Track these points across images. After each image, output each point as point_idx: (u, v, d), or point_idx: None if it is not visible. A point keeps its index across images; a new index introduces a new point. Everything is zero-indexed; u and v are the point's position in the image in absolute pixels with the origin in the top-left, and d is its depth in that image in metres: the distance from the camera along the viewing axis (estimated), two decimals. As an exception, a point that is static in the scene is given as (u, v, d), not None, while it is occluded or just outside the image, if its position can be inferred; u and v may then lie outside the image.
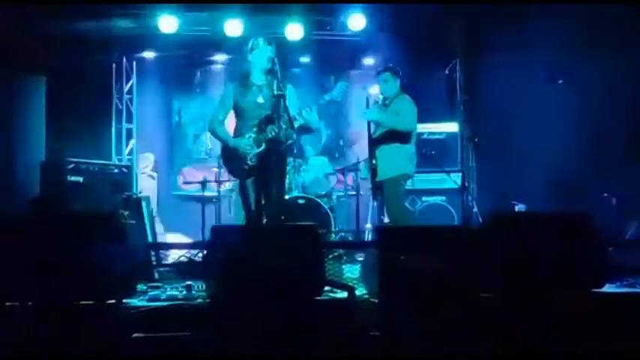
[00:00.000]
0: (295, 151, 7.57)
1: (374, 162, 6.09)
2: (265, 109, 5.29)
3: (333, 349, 3.68)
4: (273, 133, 5.20)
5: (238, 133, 5.43)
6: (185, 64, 9.60)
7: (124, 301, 4.00)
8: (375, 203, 6.25)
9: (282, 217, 5.48)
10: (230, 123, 5.59)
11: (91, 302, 3.79)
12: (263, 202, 5.43)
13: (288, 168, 6.46)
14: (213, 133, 5.58)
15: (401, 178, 6.11)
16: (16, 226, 3.92)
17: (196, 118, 9.82)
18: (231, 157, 5.42)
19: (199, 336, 3.70)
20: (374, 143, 6.15)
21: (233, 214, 7.95)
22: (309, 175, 7.83)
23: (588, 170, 7.02)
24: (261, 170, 5.29)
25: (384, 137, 6.13)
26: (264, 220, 5.55)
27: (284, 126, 5.15)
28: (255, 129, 5.31)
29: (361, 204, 7.98)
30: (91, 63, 8.46)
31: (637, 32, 6.62)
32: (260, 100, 5.34)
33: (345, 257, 6.41)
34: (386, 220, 6.17)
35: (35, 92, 7.91)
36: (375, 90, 6.41)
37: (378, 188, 6.13)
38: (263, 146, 5.26)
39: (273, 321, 3.70)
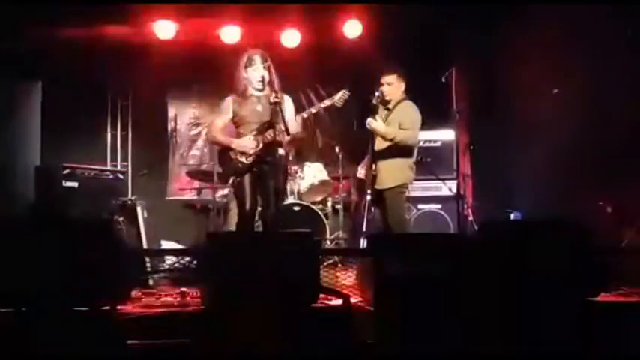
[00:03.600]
0: (291, 157, 7.57)
1: (374, 169, 6.05)
2: (265, 116, 5.40)
3: (328, 357, 3.68)
4: (270, 137, 5.30)
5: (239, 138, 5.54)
6: (181, 71, 9.59)
7: (119, 307, 3.99)
8: (373, 210, 6.21)
9: (280, 224, 5.52)
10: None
11: (85, 308, 3.77)
12: (259, 207, 5.50)
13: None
14: (214, 140, 5.72)
15: (402, 187, 6.10)
16: (10, 232, 3.90)
17: (192, 125, 9.80)
18: (227, 157, 5.53)
19: (194, 342, 3.69)
20: (376, 152, 6.10)
21: (228, 222, 7.95)
22: (305, 182, 7.83)
23: (584, 178, 7.02)
24: (257, 171, 5.39)
25: (387, 147, 6.07)
26: (260, 225, 5.60)
27: (280, 132, 5.25)
28: (255, 132, 5.42)
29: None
30: (86, 68, 8.45)
31: (633, 40, 6.63)
32: (259, 108, 5.50)
33: (340, 264, 6.40)
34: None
35: (30, 97, 7.89)
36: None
37: (377, 196, 6.11)
38: (260, 147, 5.35)
39: (268, 328, 3.69)
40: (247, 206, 5.43)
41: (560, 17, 6.99)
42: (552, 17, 7.06)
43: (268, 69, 5.46)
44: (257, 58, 5.48)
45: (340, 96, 5.59)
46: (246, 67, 5.51)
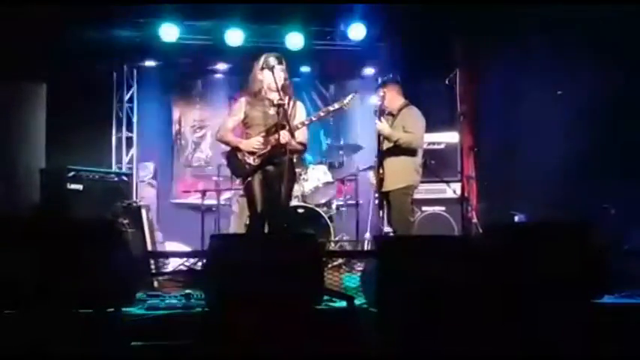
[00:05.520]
0: (295, 160, 7.58)
1: (381, 172, 6.09)
2: (274, 119, 5.42)
3: (332, 359, 3.68)
4: (275, 140, 5.31)
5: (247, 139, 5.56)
6: (185, 73, 9.63)
7: (123, 309, 4.00)
8: (380, 213, 6.24)
9: (285, 225, 5.52)
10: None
11: (90, 310, 3.78)
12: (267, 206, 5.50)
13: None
14: (223, 139, 5.69)
15: (407, 189, 6.13)
16: (15, 234, 3.91)
17: (196, 127, 9.82)
18: (235, 157, 5.54)
19: (198, 345, 3.70)
20: (382, 153, 6.14)
21: (232, 224, 7.96)
22: (309, 184, 7.83)
23: (588, 180, 7.02)
24: (265, 172, 5.39)
25: (393, 149, 6.13)
26: (267, 224, 5.61)
27: (286, 135, 5.26)
28: (263, 134, 5.43)
29: (361, 213, 7.98)
30: (91, 71, 8.48)
31: (635, 42, 6.63)
32: (271, 111, 5.47)
33: (344, 267, 6.41)
34: (386, 229, 6.19)
35: (35, 99, 7.91)
36: (374, 100, 6.41)
37: (384, 198, 6.15)
38: (268, 148, 5.36)
39: (272, 330, 3.69)
40: (259, 208, 5.43)
41: (564, 19, 7.00)
42: (556, 19, 7.07)
43: (283, 72, 5.45)
44: (273, 61, 5.48)
45: (349, 99, 5.59)
46: (262, 68, 5.51)
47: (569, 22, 6.95)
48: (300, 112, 5.61)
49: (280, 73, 5.42)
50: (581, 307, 3.94)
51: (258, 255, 3.96)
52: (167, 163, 9.73)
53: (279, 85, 5.36)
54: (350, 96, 5.61)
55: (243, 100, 5.65)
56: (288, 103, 5.41)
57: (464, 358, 3.70)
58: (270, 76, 5.41)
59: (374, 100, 6.39)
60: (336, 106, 5.59)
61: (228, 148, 5.70)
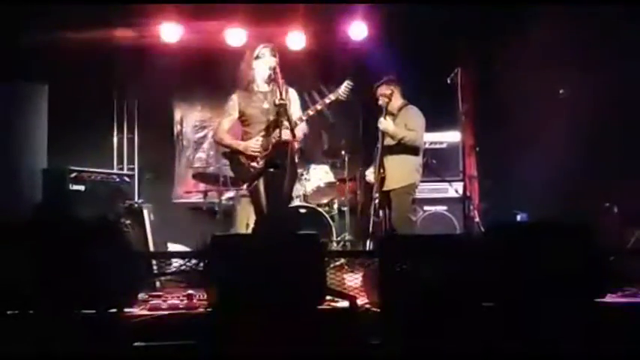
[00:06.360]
0: (297, 159, 7.56)
1: (382, 171, 6.10)
2: (272, 114, 5.36)
3: (334, 359, 3.68)
4: (277, 137, 5.27)
5: (247, 138, 5.50)
6: (187, 74, 9.60)
7: (125, 310, 4.00)
8: (381, 212, 6.24)
9: (287, 226, 5.51)
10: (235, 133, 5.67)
11: (92, 311, 3.78)
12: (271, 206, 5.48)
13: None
14: (221, 142, 5.65)
15: (408, 188, 6.14)
16: (17, 235, 3.92)
17: (198, 128, 9.81)
18: (239, 162, 5.48)
19: (200, 345, 3.70)
20: (383, 152, 6.15)
21: (235, 225, 7.95)
22: (311, 184, 7.82)
23: (590, 179, 7.01)
24: (268, 172, 5.35)
25: (394, 148, 6.14)
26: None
27: (287, 131, 5.22)
28: (262, 133, 5.38)
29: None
30: (92, 72, 8.47)
31: (636, 44, 6.63)
32: (266, 106, 5.44)
33: (346, 267, 6.40)
34: (387, 229, 6.19)
35: (37, 100, 7.91)
36: (380, 93, 6.39)
37: (384, 197, 6.16)
38: (270, 149, 5.33)
39: (275, 330, 3.69)
40: (265, 210, 5.41)
41: (565, 19, 7.00)
42: (557, 19, 7.06)
43: (275, 66, 5.39)
44: (266, 52, 5.45)
45: (344, 88, 5.51)
46: (256, 58, 5.47)
47: (572, 20, 6.95)
48: (294, 100, 5.55)
49: (272, 64, 5.37)
50: (583, 306, 3.94)
51: (260, 255, 3.97)
52: (169, 163, 9.71)
53: (271, 76, 5.32)
54: (344, 85, 5.53)
55: (234, 97, 5.57)
56: (280, 91, 5.32)
57: (466, 357, 3.70)
58: (262, 66, 5.39)
59: (380, 92, 6.35)
60: (332, 97, 5.52)
61: (227, 149, 5.66)
